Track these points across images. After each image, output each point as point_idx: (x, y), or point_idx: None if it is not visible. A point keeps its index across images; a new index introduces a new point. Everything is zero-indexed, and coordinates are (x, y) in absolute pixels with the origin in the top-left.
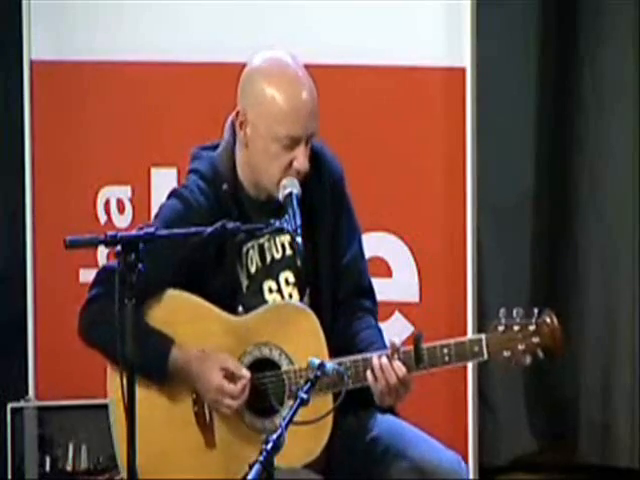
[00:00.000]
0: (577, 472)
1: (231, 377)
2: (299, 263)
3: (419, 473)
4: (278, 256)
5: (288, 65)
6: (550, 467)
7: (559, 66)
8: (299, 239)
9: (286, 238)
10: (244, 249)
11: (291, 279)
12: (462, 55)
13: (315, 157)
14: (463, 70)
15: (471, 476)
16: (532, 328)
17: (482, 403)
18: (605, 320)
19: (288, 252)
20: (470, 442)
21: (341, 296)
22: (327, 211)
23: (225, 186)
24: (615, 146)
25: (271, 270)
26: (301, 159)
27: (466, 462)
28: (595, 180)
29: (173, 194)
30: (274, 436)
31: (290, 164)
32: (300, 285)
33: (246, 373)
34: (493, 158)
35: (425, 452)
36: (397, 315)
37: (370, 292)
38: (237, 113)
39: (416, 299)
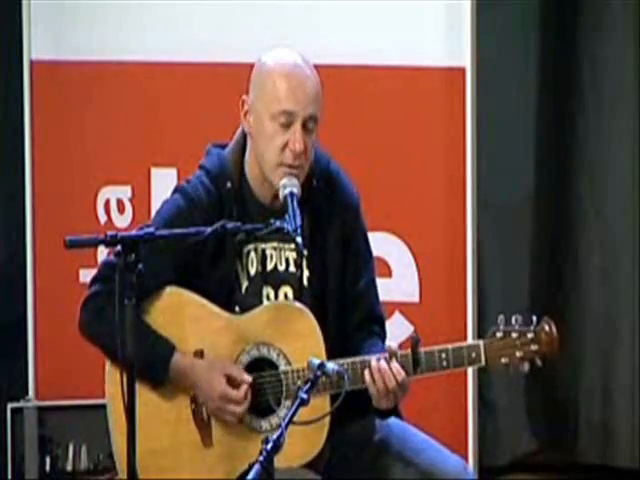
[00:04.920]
0: (577, 472)
1: (233, 383)
2: (301, 257)
3: (426, 479)
4: (281, 268)
5: (292, 55)
6: (550, 467)
7: (559, 66)
8: (299, 239)
9: (292, 255)
10: (245, 250)
11: (290, 295)
12: (462, 55)
13: (331, 181)
14: (463, 70)
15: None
16: (530, 336)
17: (482, 403)
18: (605, 320)
19: (291, 269)
20: (470, 442)
21: (354, 322)
22: (337, 238)
23: (229, 184)
24: (615, 146)
25: (272, 279)
26: (295, 139)
27: (466, 462)
28: (595, 180)
29: (176, 190)
30: (274, 436)
31: (286, 145)
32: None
33: (247, 378)
34: (493, 158)
35: (432, 458)
36: (397, 315)
37: (381, 319)
38: (242, 102)
39: (416, 299)
